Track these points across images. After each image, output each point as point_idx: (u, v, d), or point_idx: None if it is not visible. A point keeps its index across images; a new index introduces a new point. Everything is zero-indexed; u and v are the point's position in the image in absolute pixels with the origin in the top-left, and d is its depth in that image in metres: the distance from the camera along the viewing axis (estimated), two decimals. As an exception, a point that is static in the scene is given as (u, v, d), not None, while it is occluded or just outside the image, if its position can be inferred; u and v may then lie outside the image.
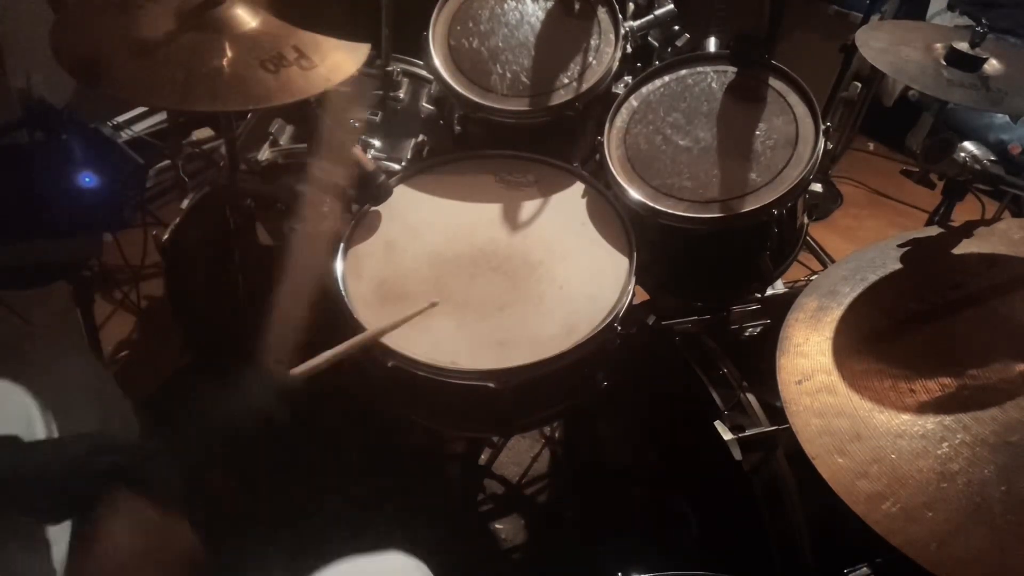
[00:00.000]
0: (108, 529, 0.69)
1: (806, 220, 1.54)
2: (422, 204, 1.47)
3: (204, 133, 2.24)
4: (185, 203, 1.66)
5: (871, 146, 3.22)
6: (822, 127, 1.39)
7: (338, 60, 1.32)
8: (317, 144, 1.39)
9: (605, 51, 1.59)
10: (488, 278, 1.34)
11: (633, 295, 1.32)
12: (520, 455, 1.93)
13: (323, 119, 1.35)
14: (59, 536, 0.85)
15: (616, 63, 1.57)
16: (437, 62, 1.57)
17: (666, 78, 1.55)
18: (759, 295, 1.51)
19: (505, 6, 1.65)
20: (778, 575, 1.17)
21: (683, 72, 1.56)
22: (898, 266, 1.10)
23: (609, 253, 1.38)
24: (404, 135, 1.70)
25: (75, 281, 1.69)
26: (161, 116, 2.38)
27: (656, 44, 1.82)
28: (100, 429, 0.91)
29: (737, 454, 1.18)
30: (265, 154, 1.64)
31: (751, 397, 1.26)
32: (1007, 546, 0.77)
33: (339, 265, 1.33)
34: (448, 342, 1.24)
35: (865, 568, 1.01)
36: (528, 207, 1.47)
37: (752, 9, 2.08)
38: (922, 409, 0.89)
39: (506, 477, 1.89)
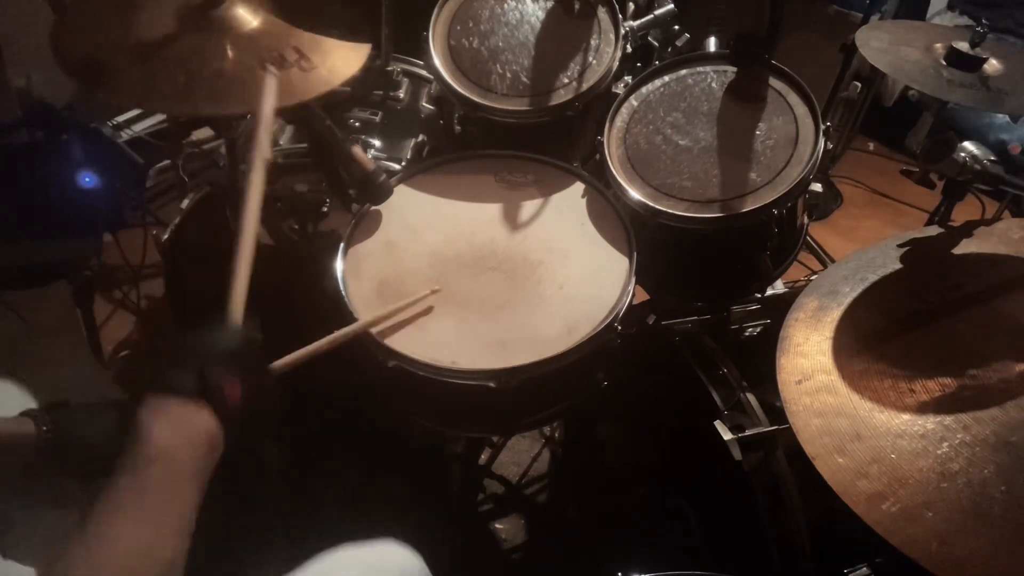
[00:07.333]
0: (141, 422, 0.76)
1: (806, 220, 1.54)
2: (422, 204, 1.47)
3: (204, 133, 2.24)
4: (185, 203, 1.66)
5: (871, 146, 3.23)
6: (822, 127, 1.39)
7: (338, 61, 1.32)
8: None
9: (605, 51, 1.59)
10: (488, 278, 1.34)
11: (633, 295, 1.32)
12: (520, 455, 1.93)
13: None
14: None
15: (616, 63, 1.57)
16: (437, 62, 1.57)
17: (666, 78, 1.55)
18: (759, 295, 1.51)
19: (505, 6, 1.65)
20: (778, 575, 1.17)
21: (683, 72, 1.55)
22: (898, 266, 1.10)
23: (609, 253, 1.38)
24: (404, 135, 1.69)
25: (75, 281, 1.70)
26: (161, 116, 2.39)
27: (656, 44, 1.82)
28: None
29: (737, 454, 1.18)
30: (265, 154, 1.63)
31: (751, 397, 1.26)
32: (1007, 546, 0.77)
33: (339, 265, 1.33)
34: (448, 342, 1.24)
35: (865, 568, 1.00)
36: (528, 207, 1.47)
37: (752, 9, 2.08)
38: (922, 409, 0.89)
39: (506, 477, 1.89)
